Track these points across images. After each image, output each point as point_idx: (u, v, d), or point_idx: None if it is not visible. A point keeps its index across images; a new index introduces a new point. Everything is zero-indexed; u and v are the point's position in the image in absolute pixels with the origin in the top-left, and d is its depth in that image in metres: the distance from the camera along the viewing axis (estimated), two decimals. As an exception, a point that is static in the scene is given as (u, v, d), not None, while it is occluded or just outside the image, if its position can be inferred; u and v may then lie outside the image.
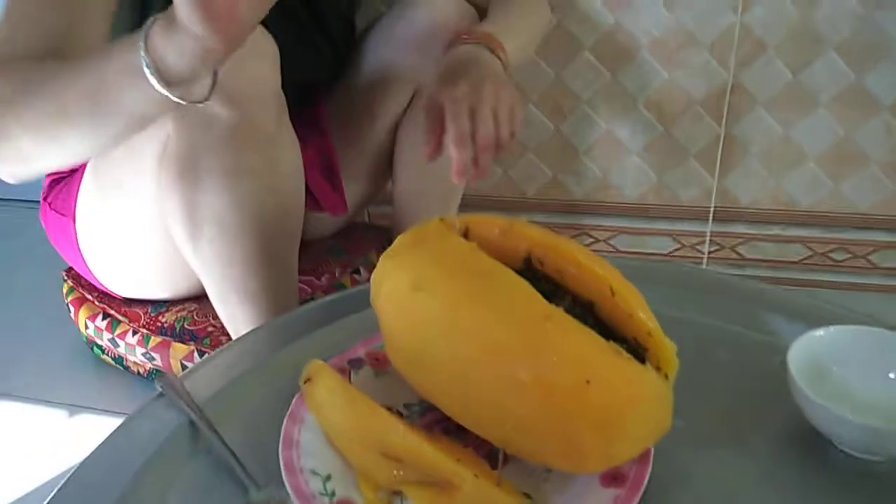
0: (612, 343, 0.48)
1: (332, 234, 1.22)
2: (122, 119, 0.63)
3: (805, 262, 1.36)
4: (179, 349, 1.04)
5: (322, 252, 1.17)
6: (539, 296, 0.50)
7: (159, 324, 1.07)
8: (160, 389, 0.67)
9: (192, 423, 0.63)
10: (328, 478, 0.56)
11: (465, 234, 0.61)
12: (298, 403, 0.62)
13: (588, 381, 0.47)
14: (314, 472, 0.56)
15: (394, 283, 0.57)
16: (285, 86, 0.79)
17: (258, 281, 0.87)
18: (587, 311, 0.56)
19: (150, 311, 1.10)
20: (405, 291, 0.55)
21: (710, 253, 1.38)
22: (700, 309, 0.77)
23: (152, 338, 1.06)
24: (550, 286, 0.58)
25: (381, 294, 0.59)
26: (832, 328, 0.63)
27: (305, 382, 0.63)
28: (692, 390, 0.63)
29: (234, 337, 0.93)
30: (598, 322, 0.56)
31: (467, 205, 1.40)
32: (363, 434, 0.57)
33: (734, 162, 1.30)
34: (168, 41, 0.55)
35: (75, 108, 0.62)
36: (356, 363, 0.68)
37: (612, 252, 1.43)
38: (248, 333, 0.78)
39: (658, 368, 0.52)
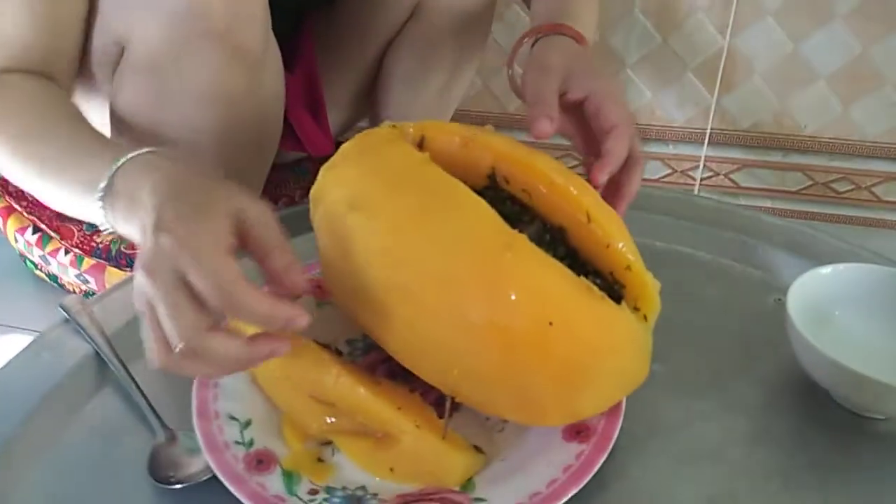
0: (582, 279, 0.41)
1: (305, 160, 1.13)
2: (58, 203, 0.58)
3: (804, 192, 1.28)
4: (115, 274, 0.96)
5: (285, 172, 1.08)
6: (499, 219, 0.42)
7: (94, 244, 0.98)
8: (65, 315, 0.59)
9: (98, 354, 0.56)
10: (247, 424, 0.49)
11: (420, 144, 0.53)
12: (222, 336, 0.55)
13: (550, 324, 0.39)
14: (232, 417, 0.49)
15: (330, 200, 0.49)
16: (272, 9, 0.68)
17: None
18: (558, 240, 0.48)
19: (84, 228, 1.00)
20: (342, 211, 0.47)
21: (702, 180, 1.30)
22: (689, 240, 0.70)
23: (85, 259, 0.97)
24: (517, 208, 0.50)
25: (317, 213, 0.51)
26: (840, 266, 0.56)
27: (232, 312, 0.55)
28: (676, 331, 0.56)
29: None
30: (570, 252, 0.48)
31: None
32: (292, 374, 0.50)
33: (736, 79, 1.20)
34: (127, 214, 0.48)
35: (25, 165, 0.58)
36: (296, 290, 0.60)
37: (597, 175, 1.34)
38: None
39: (636, 309, 0.45)
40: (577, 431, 0.47)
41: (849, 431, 0.51)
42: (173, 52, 0.62)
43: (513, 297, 0.40)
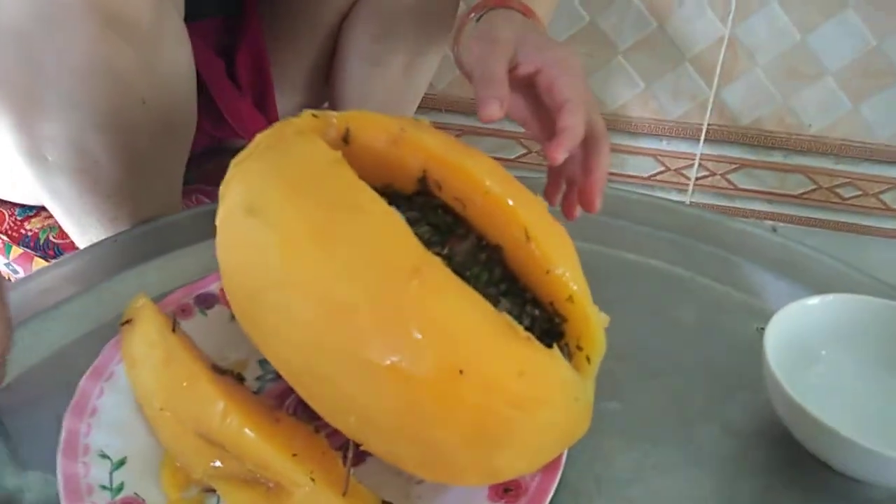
0: (504, 315, 0.34)
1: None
2: None
3: (806, 196, 1.21)
4: (42, 266, 0.90)
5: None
6: (411, 237, 0.36)
7: (24, 231, 0.92)
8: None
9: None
10: (120, 464, 0.43)
11: (346, 138, 0.46)
12: (110, 353, 0.48)
13: (461, 372, 0.33)
14: (103, 455, 0.43)
15: (231, 200, 0.42)
16: None
17: (127, 208, 0.70)
18: (495, 260, 0.41)
19: (17, 213, 0.94)
20: (239, 213, 0.40)
21: (697, 179, 1.23)
22: (667, 253, 0.64)
23: (13, 248, 0.91)
24: (449, 219, 0.44)
25: (219, 213, 0.44)
26: (829, 297, 0.49)
27: (124, 324, 0.49)
28: (639, 359, 0.50)
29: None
30: (508, 275, 0.41)
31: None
32: (174, 406, 0.43)
33: (737, 71, 1.13)
34: None
35: None
36: (206, 300, 0.54)
37: (585, 170, 1.27)
38: (85, 249, 0.63)
39: (579, 348, 0.38)
40: (506, 489, 0.40)
41: (835, 496, 0.45)
42: (41, 17, 0.55)
43: (417, 336, 0.33)
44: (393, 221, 0.37)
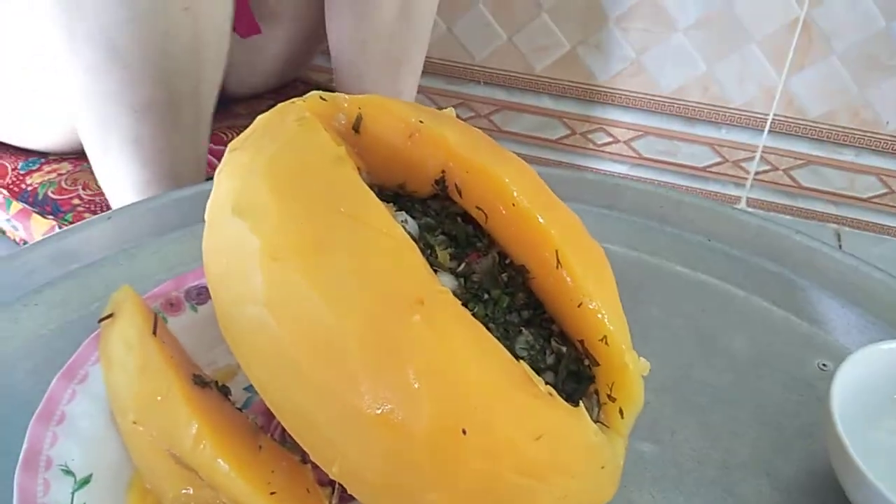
0: (522, 365, 0.29)
1: (269, 92, 1.02)
2: None
3: (876, 200, 1.13)
4: (39, 223, 0.87)
5: (253, 112, 0.98)
6: (418, 260, 0.31)
7: (24, 186, 0.90)
8: None
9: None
10: (84, 482, 0.39)
11: (357, 126, 0.41)
12: (85, 352, 0.45)
13: (464, 431, 0.28)
14: (66, 470, 0.39)
15: (218, 194, 0.38)
16: None
17: (150, 128, 0.68)
18: (517, 283, 0.36)
19: (20, 167, 0.92)
20: (226, 210, 0.36)
21: (757, 173, 1.15)
22: (720, 267, 0.58)
23: (13, 203, 0.89)
24: (469, 229, 0.38)
25: (208, 206, 0.40)
26: (912, 342, 0.43)
27: (104, 319, 0.45)
28: (680, 393, 0.45)
29: (113, 207, 0.77)
30: (532, 302, 0.36)
31: (436, 73, 1.19)
32: (150, 422, 0.39)
33: (810, 57, 1.04)
34: None
35: None
36: (199, 294, 0.50)
37: (634, 157, 1.20)
38: (77, 226, 0.59)
39: (611, 398, 0.33)
40: (514, 551, 0.35)
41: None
42: None
43: (414, 384, 0.28)
44: (398, 238, 0.32)
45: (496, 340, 0.29)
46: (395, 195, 0.40)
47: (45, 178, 0.89)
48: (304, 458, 0.39)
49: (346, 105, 0.41)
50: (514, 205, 0.35)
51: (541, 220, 0.35)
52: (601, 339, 0.33)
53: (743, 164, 1.16)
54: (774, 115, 1.10)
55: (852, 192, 1.13)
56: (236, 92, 0.99)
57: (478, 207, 0.37)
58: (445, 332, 0.29)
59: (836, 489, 0.41)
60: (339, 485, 0.36)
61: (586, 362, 0.35)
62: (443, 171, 0.39)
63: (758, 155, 1.14)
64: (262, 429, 0.41)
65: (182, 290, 0.49)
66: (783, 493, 0.43)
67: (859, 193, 1.13)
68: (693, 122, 1.14)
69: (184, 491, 0.38)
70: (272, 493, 0.36)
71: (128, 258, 0.55)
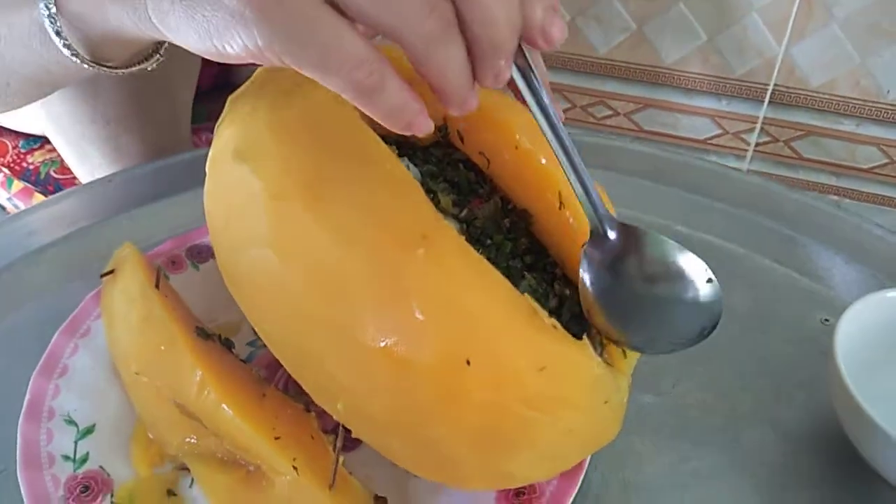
0: (526, 297, 0.29)
1: None
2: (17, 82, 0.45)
3: (877, 170, 1.13)
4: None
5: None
6: (422, 197, 0.31)
7: (25, 164, 0.89)
8: None
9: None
10: (88, 431, 0.39)
11: (356, 77, 0.40)
12: (88, 307, 0.45)
13: (469, 362, 0.28)
14: (69, 420, 0.39)
15: (220, 141, 0.38)
16: None
17: (130, 135, 0.66)
18: (520, 227, 0.36)
19: (20, 146, 0.91)
20: (227, 158, 0.36)
21: (757, 145, 1.15)
22: (722, 227, 0.58)
23: (14, 182, 0.88)
24: (471, 175, 0.38)
25: (209, 157, 0.39)
26: (915, 290, 0.43)
27: (106, 275, 0.45)
28: (680, 352, 0.45)
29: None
30: (534, 247, 0.36)
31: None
32: (153, 372, 0.39)
33: (811, 26, 1.04)
34: None
35: None
36: (199, 252, 0.50)
37: (634, 130, 1.20)
38: (77, 189, 0.59)
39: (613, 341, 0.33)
40: (518, 492, 0.36)
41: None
42: None
43: (418, 316, 0.28)
44: (401, 177, 0.32)
45: (500, 274, 0.29)
46: (394, 143, 0.40)
47: (47, 157, 0.89)
48: (308, 406, 0.39)
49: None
50: (516, 148, 0.35)
51: (543, 161, 0.34)
52: (605, 279, 0.33)
53: (743, 136, 1.16)
54: (775, 85, 1.09)
55: (853, 162, 1.13)
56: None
57: (480, 153, 0.37)
58: (449, 265, 0.29)
59: (839, 437, 0.41)
60: (344, 430, 0.36)
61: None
62: (444, 118, 0.39)
63: (758, 126, 1.14)
64: (265, 380, 0.41)
65: (183, 249, 0.49)
66: (787, 442, 0.43)
67: (860, 164, 1.13)
68: (693, 93, 1.13)
69: (188, 440, 0.38)
70: (276, 438, 0.36)
71: (128, 220, 0.55)
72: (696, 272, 0.31)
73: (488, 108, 0.37)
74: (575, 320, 0.34)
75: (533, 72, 0.29)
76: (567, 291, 0.35)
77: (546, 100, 0.29)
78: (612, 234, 0.31)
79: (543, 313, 0.29)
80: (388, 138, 0.40)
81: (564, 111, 1.22)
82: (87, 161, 0.70)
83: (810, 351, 0.48)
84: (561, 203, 0.34)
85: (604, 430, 0.32)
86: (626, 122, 1.20)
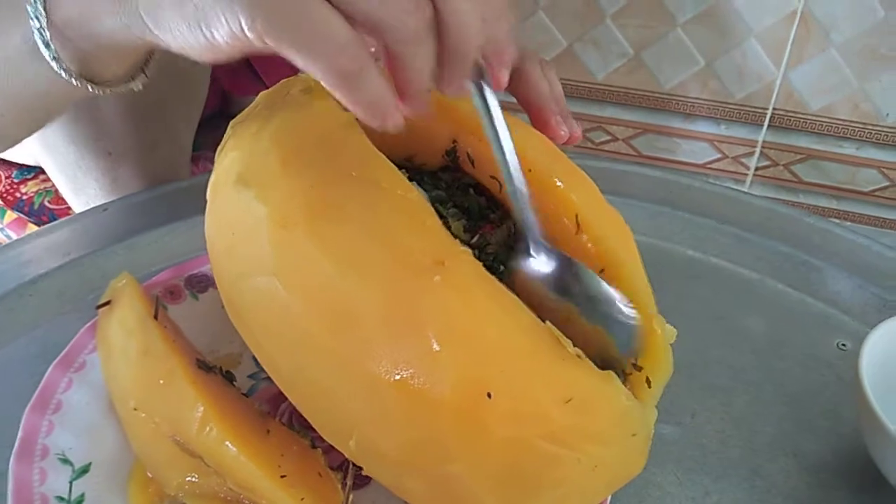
0: (548, 325, 0.27)
1: None
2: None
3: (878, 193, 1.12)
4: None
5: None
6: (435, 222, 0.29)
7: (19, 195, 0.87)
8: None
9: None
10: (83, 471, 0.37)
11: (362, 100, 0.39)
12: (82, 340, 0.43)
13: (489, 395, 0.26)
14: (64, 459, 0.37)
15: (222, 167, 0.36)
16: None
17: (129, 168, 0.65)
18: (534, 252, 0.35)
19: (14, 175, 0.90)
20: (230, 182, 0.34)
21: (757, 169, 1.15)
22: (732, 251, 0.57)
23: (7, 213, 0.87)
24: (482, 200, 0.37)
25: (210, 184, 0.38)
26: (938, 314, 0.42)
27: (102, 307, 0.43)
28: (697, 376, 0.44)
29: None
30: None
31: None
32: (152, 407, 0.37)
33: (809, 50, 1.04)
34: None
35: None
36: (199, 282, 0.48)
37: (633, 156, 1.19)
38: (72, 218, 0.57)
39: (636, 367, 0.32)
40: (538, 531, 0.34)
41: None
42: None
43: (435, 348, 0.27)
44: (413, 201, 0.30)
45: (520, 301, 0.28)
46: (401, 167, 0.39)
47: (41, 187, 0.87)
48: (315, 442, 0.37)
49: (350, 77, 0.40)
50: (530, 170, 0.34)
51: (559, 184, 0.33)
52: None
53: (743, 160, 1.15)
54: (774, 109, 1.09)
55: (854, 185, 1.12)
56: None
57: (492, 177, 0.36)
58: (467, 292, 0.27)
59: (866, 467, 0.40)
60: (353, 467, 0.35)
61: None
62: (454, 141, 0.38)
63: (758, 150, 1.13)
64: (269, 415, 0.39)
65: (182, 278, 0.48)
66: (811, 474, 0.41)
67: (861, 187, 1.12)
68: (692, 118, 1.13)
69: (188, 479, 0.36)
70: (283, 477, 0.34)
71: (125, 249, 0.54)
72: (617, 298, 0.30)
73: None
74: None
75: (488, 86, 0.31)
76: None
77: (499, 115, 0.31)
78: (536, 256, 0.31)
79: (567, 342, 0.27)
80: (395, 160, 0.39)
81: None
82: (82, 193, 0.68)
83: (829, 377, 0.47)
84: (578, 227, 0.33)
85: (630, 465, 0.31)
86: (624, 148, 1.19)
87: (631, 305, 0.30)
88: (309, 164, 0.32)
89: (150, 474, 0.38)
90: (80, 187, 0.67)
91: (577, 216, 0.33)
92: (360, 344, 0.28)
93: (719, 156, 1.16)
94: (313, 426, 0.33)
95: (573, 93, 1.17)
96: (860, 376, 0.38)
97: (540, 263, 0.32)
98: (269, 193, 0.32)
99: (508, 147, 0.31)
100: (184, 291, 0.47)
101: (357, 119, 0.36)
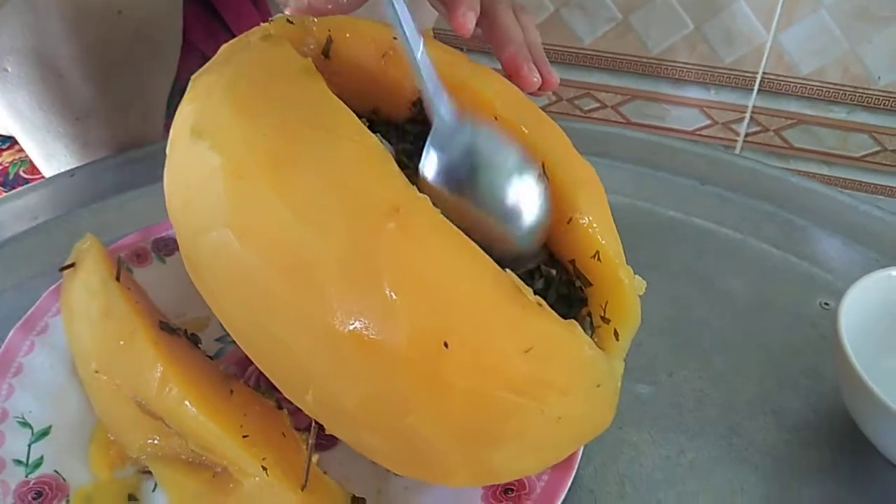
0: (508, 273, 0.26)
1: None
2: None
3: (868, 158, 1.11)
4: (1, 200, 0.84)
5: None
6: (392, 169, 0.28)
7: (-6, 163, 0.86)
8: None
9: None
10: (43, 434, 0.37)
11: (326, 51, 0.38)
12: (46, 303, 0.42)
13: (446, 344, 0.25)
14: (23, 422, 0.36)
15: (178, 121, 0.35)
16: None
17: (99, 132, 0.64)
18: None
19: (-10, 144, 0.89)
20: (185, 137, 0.33)
21: (747, 135, 1.14)
22: (716, 211, 0.56)
23: (-19, 183, 0.86)
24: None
25: (169, 140, 0.37)
26: (919, 268, 0.41)
27: (65, 269, 0.42)
28: (678, 336, 0.43)
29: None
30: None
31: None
32: (113, 369, 0.36)
33: (799, 11, 1.02)
34: None
35: None
36: (165, 245, 0.47)
37: (621, 122, 1.18)
38: (39, 183, 0.56)
39: (605, 319, 0.31)
40: (506, 489, 0.33)
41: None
42: None
43: (390, 296, 0.26)
44: (370, 148, 0.29)
45: (479, 248, 0.27)
46: (367, 120, 0.38)
47: (16, 157, 0.86)
48: (280, 403, 0.36)
49: (314, 28, 0.38)
50: (496, 118, 0.33)
51: (525, 130, 0.32)
52: (593, 256, 0.31)
53: (733, 126, 1.14)
54: (764, 73, 1.08)
55: (844, 151, 1.11)
56: None
57: (459, 126, 0.35)
58: (424, 239, 0.26)
59: (845, 426, 0.39)
60: (317, 426, 0.34)
61: (577, 284, 0.32)
62: (420, 92, 0.36)
63: (748, 115, 1.12)
64: (234, 377, 0.38)
65: (149, 241, 0.47)
66: (791, 432, 0.41)
67: (852, 152, 1.11)
68: (681, 83, 1.12)
69: (150, 441, 0.36)
70: (244, 437, 0.33)
71: (92, 213, 0.53)
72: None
73: (462, 79, 0.35)
74: (562, 302, 0.32)
75: None
76: (553, 271, 0.32)
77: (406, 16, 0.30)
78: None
79: (528, 290, 0.26)
80: (360, 114, 0.38)
81: (551, 105, 1.20)
82: (53, 159, 0.67)
83: (812, 336, 0.46)
84: (545, 174, 0.32)
85: (596, 417, 0.30)
86: (613, 115, 1.18)
87: (542, 173, 0.29)
88: (264, 112, 0.31)
89: (111, 437, 0.37)
90: (51, 153, 0.66)
91: (542, 164, 0.32)
92: (317, 295, 0.27)
93: (709, 122, 1.15)
94: (270, 379, 0.32)
95: (560, 58, 1.15)
96: (839, 333, 0.37)
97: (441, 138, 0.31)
98: (222, 143, 0.31)
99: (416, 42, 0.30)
100: (150, 254, 0.46)
101: (316, 65, 0.35)
